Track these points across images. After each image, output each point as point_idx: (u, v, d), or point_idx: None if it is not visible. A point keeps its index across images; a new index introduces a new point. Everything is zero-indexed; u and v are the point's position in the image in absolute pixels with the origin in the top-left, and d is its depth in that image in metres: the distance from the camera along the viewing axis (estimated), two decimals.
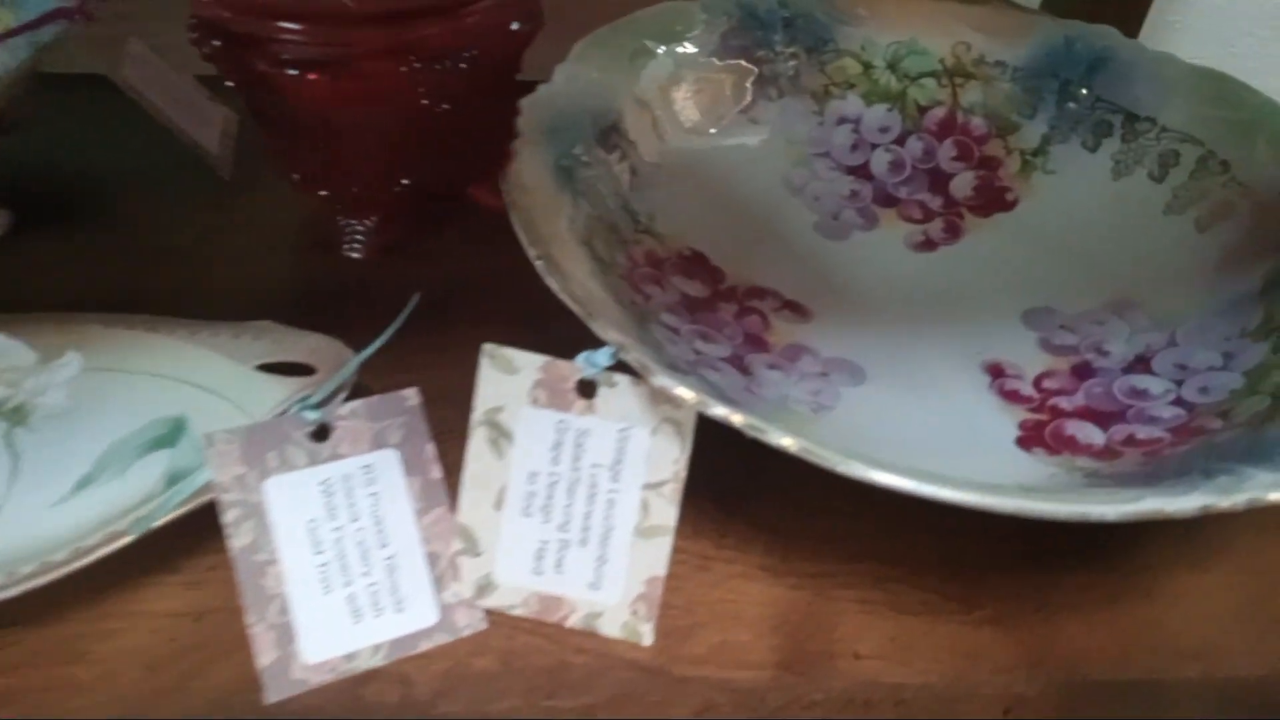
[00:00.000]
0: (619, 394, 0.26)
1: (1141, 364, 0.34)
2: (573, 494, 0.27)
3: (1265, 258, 0.35)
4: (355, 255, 0.40)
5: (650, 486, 0.27)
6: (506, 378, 0.27)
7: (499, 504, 0.27)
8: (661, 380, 0.25)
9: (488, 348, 0.26)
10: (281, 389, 0.31)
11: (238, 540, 0.26)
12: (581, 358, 0.26)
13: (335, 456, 0.27)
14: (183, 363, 0.32)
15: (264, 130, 0.37)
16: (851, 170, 0.43)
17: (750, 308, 0.37)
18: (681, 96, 0.40)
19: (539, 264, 0.28)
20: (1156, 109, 0.40)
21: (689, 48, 0.41)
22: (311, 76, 0.33)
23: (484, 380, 0.27)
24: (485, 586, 0.28)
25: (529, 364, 0.27)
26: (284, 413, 0.30)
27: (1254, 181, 0.37)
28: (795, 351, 0.35)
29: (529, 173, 0.32)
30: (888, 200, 0.43)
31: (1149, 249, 0.38)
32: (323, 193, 0.38)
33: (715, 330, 0.35)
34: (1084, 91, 0.42)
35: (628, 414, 0.26)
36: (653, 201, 0.38)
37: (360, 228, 0.40)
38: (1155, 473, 0.28)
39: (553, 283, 0.27)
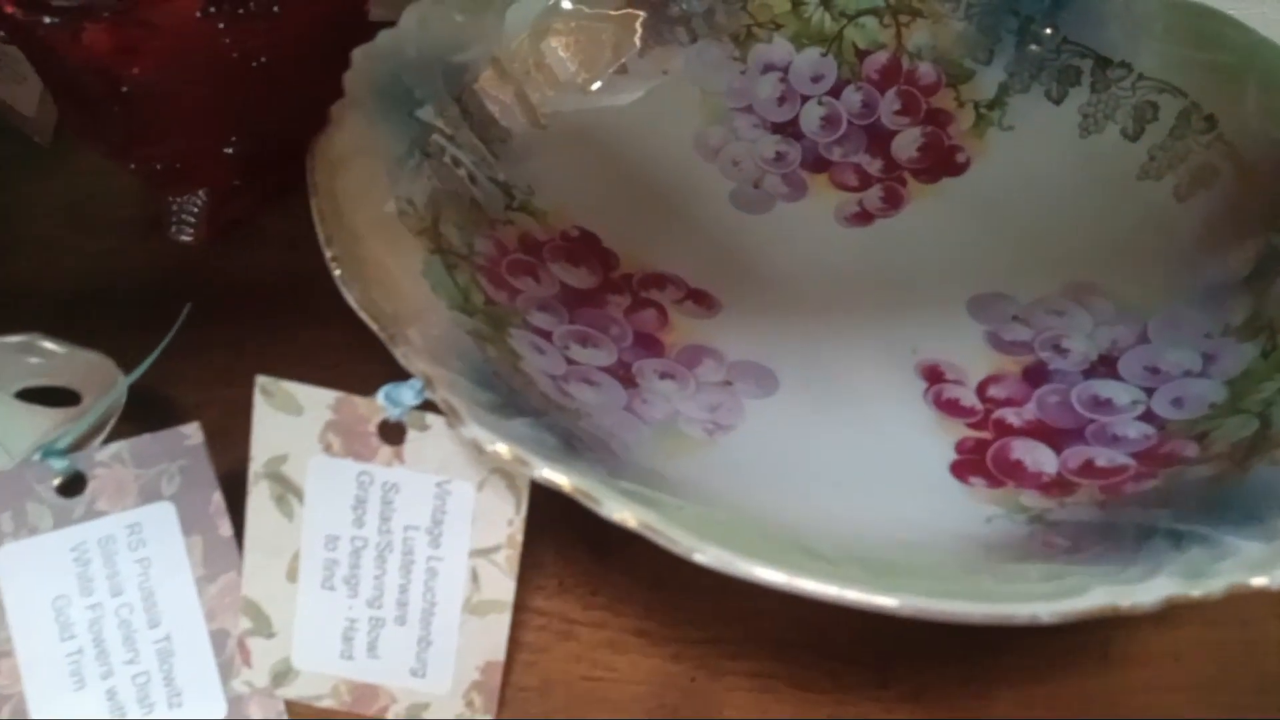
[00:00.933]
0: (433, 439, 0.21)
1: (1106, 365, 0.29)
2: (384, 562, 0.22)
3: (1252, 235, 0.29)
4: (185, 239, 0.33)
5: (480, 553, 0.21)
6: (290, 419, 0.21)
7: (292, 574, 0.22)
8: (472, 431, 0.19)
9: (262, 382, 0.21)
10: (42, 421, 0.25)
11: None
12: (383, 393, 0.20)
13: (92, 514, 0.22)
14: None
15: (54, 94, 0.31)
16: (778, 128, 0.37)
17: (646, 300, 0.31)
18: (557, 45, 0.33)
19: (335, 268, 0.22)
20: (1132, 52, 0.34)
21: None
22: (87, 28, 0.26)
23: (261, 423, 0.21)
24: (283, 674, 0.22)
25: (317, 402, 0.21)
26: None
27: (1242, 141, 0.31)
28: (695, 355, 0.30)
29: (351, 144, 0.26)
30: (819, 164, 0.37)
31: (1119, 222, 0.32)
32: (131, 166, 0.31)
33: (599, 331, 0.29)
34: (1048, 31, 0.35)
35: (445, 464, 0.21)
36: (531, 172, 0.32)
37: (189, 205, 0.33)
38: (1112, 523, 0.22)
39: (349, 294, 0.21)
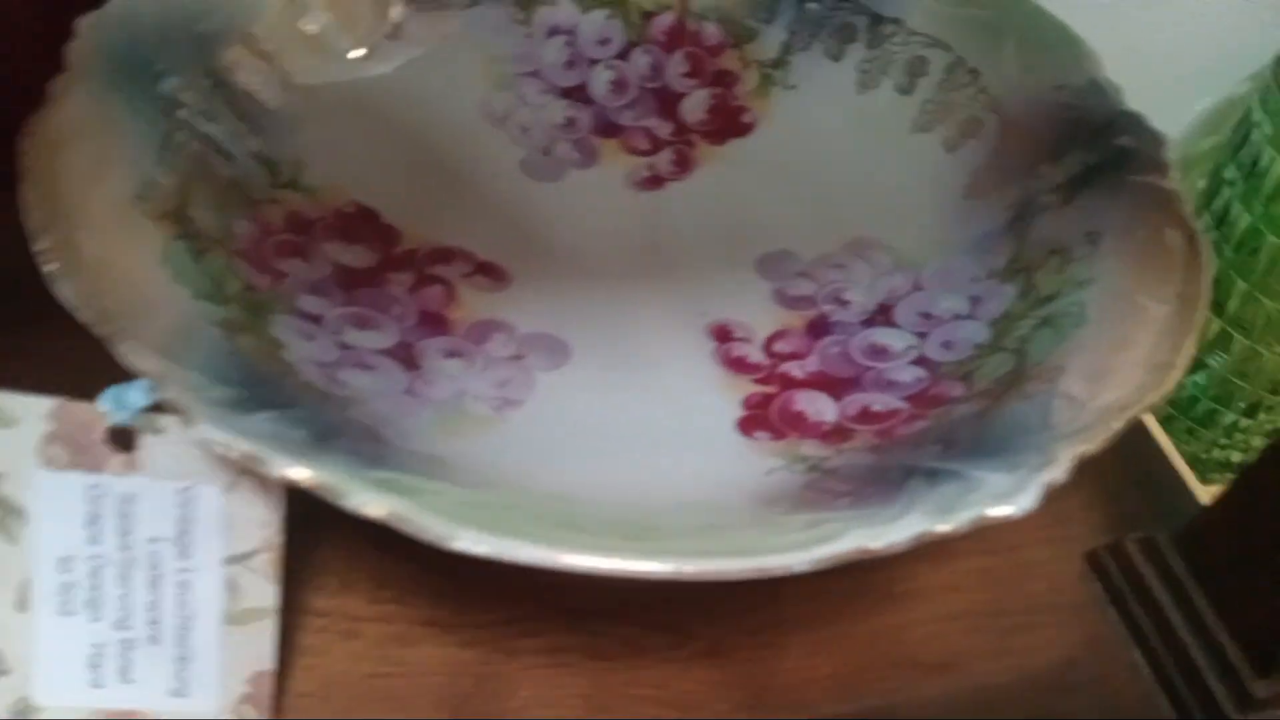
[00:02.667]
0: (169, 443, 0.19)
1: (884, 314, 0.30)
2: (128, 580, 0.20)
3: (1013, 182, 0.31)
4: None
5: (236, 560, 0.20)
6: (2, 432, 0.19)
7: (22, 604, 0.20)
8: (204, 430, 0.17)
9: None
10: None
11: None
12: (108, 397, 0.19)
13: None
14: None
15: None
16: (567, 92, 0.36)
17: (431, 276, 0.30)
18: (320, 5, 0.31)
19: (46, 262, 0.20)
20: (902, 8, 0.35)
21: None
22: None
23: None
24: (25, 710, 0.20)
25: (32, 411, 0.19)
26: None
27: (1002, 93, 0.32)
28: (484, 330, 0.29)
29: (70, 123, 0.23)
30: (609, 129, 0.36)
31: (896, 176, 0.33)
32: None
33: (379, 311, 0.28)
34: None
35: (186, 468, 0.19)
36: (301, 147, 0.30)
37: None
38: (882, 465, 0.23)
39: (65, 289, 0.19)
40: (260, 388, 0.20)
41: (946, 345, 0.28)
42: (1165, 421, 0.54)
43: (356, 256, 0.29)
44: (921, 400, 0.26)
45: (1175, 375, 0.21)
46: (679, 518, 0.20)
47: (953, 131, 0.33)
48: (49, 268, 0.20)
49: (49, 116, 0.23)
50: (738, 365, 0.29)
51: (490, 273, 0.31)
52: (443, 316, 0.29)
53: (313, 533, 0.25)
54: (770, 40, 0.37)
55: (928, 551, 0.27)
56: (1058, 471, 0.19)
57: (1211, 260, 0.24)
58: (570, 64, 0.37)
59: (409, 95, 0.34)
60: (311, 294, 0.27)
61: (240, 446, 0.17)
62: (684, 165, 0.35)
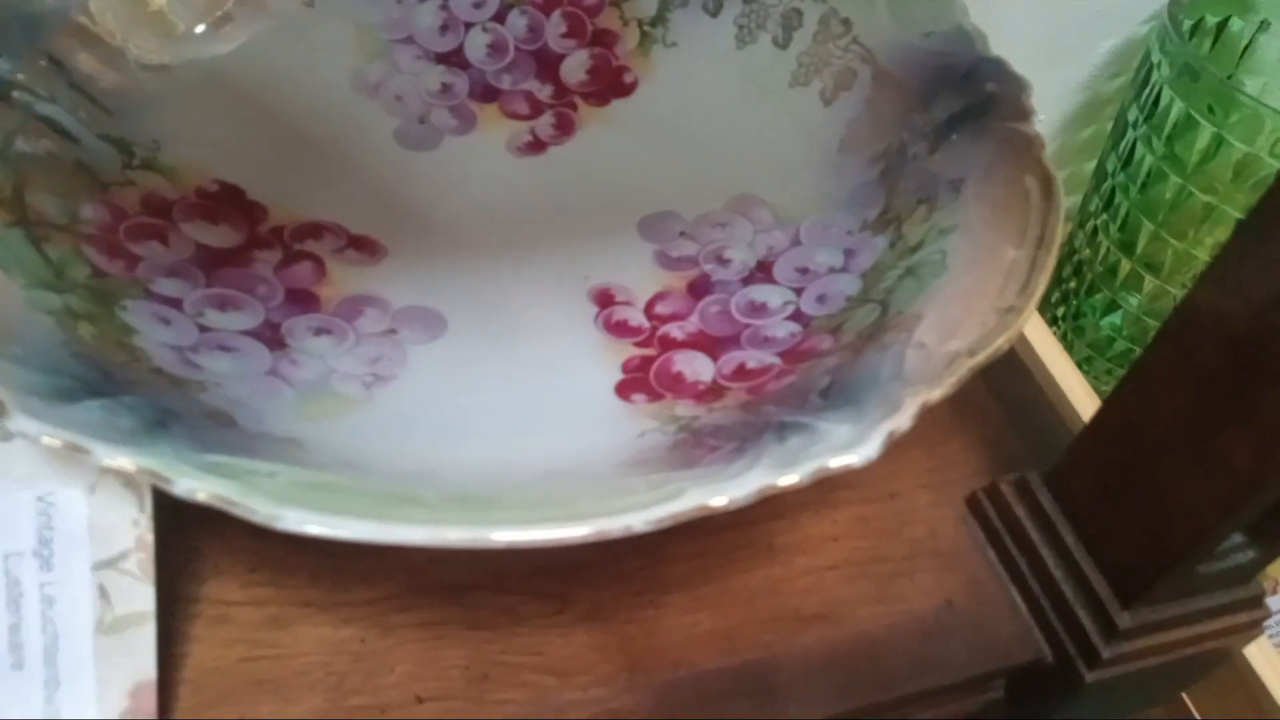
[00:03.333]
0: (19, 449, 0.18)
1: (763, 271, 0.30)
2: None
3: (886, 133, 0.31)
4: None
5: (105, 565, 0.19)
6: None
7: None
8: (19, 422, 0.17)
9: None
10: None
11: None
12: None
13: None
14: None
15: None
16: (442, 58, 0.35)
17: (300, 252, 0.29)
18: None
19: None
20: None
21: None
22: None
23: None
24: None
25: None
26: None
27: (875, 43, 0.32)
28: (355, 305, 0.28)
29: None
30: (488, 93, 0.35)
31: (775, 132, 0.33)
32: None
33: (244, 291, 0.27)
34: None
35: (42, 473, 0.19)
36: (157, 126, 0.29)
37: None
38: (747, 422, 0.23)
39: None
40: (92, 376, 0.20)
41: (820, 299, 0.28)
42: (1084, 362, 0.56)
43: (220, 236, 0.28)
44: (793, 355, 0.26)
45: (1020, 319, 0.21)
46: (533, 490, 0.20)
47: (829, 84, 0.33)
48: None
49: None
50: (619, 329, 0.29)
51: (363, 247, 0.30)
52: (312, 294, 0.28)
53: (183, 523, 0.24)
54: None
55: (807, 502, 0.27)
56: (902, 420, 0.19)
57: (1061, 205, 0.24)
58: (445, 28, 0.36)
59: (273, 68, 0.33)
60: (169, 277, 0.26)
61: (60, 436, 0.17)
62: (565, 128, 0.35)
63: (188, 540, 0.24)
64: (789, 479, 0.18)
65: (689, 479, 0.18)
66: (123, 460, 0.17)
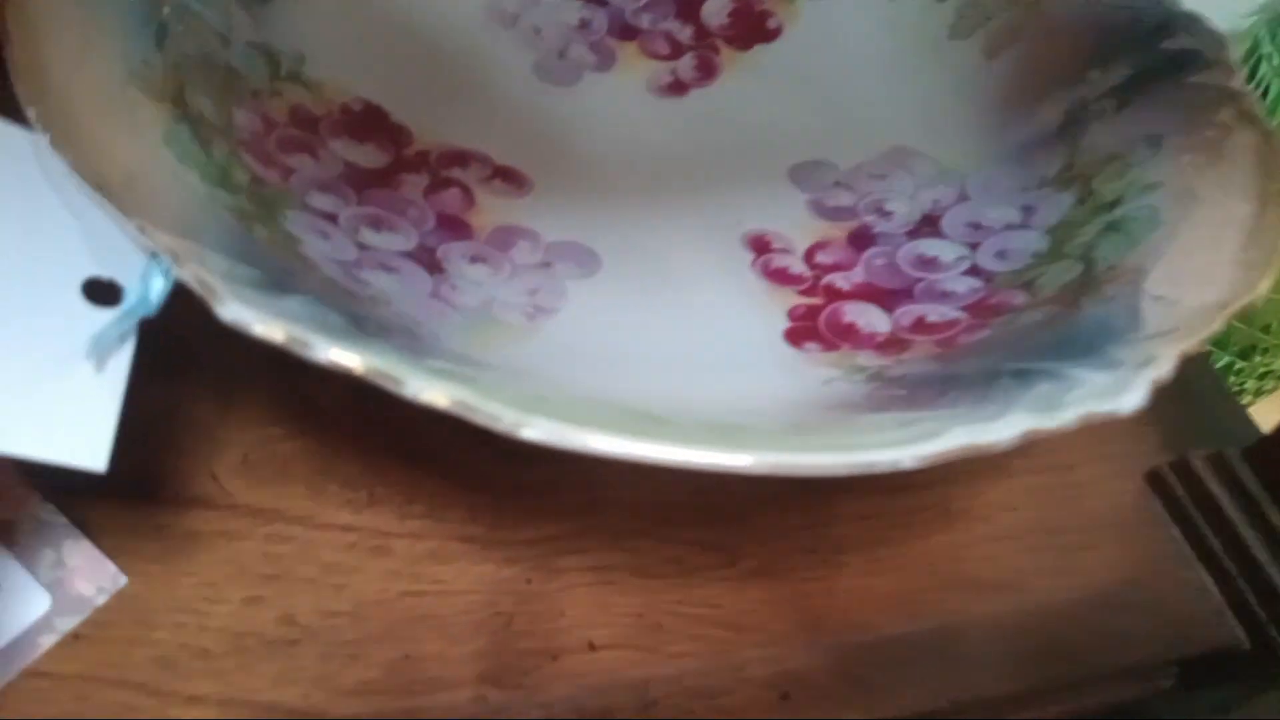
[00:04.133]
0: None
1: (929, 225, 0.28)
2: None
3: (1060, 89, 0.29)
4: None
5: None
6: None
7: None
8: (234, 310, 0.15)
9: None
10: None
11: None
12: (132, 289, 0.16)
13: None
14: None
15: None
16: None
17: (447, 179, 0.28)
18: None
19: (42, 128, 0.17)
20: None
21: None
22: None
23: None
24: None
25: None
26: None
27: None
28: (508, 236, 0.27)
29: None
30: (627, 31, 0.34)
31: (932, 84, 0.32)
32: None
33: (395, 213, 0.26)
34: None
35: None
36: (301, 37, 0.28)
37: None
38: (953, 373, 0.21)
39: (66, 157, 0.17)
40: (285, 276, 0.18)
41: (1001, 255, 0.26)
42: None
43: (367, 156, 0.27)
44: (981, 310, 0.25)
45: (1270, 274, 0.20)
46: (772, 420, 0.19)
47: (992, 38, 0.31)
48: (45, 136, 0.17)
49: None
50: (779, 276, 0.27)
51: (509, 178, 0.28)
52: (463, 221, 0.27)
53: (332, 446, 0.23)
54: None
55: (980, 469, 0.26)
56: (1164, 369, 0.18)
57: None
58: None
59: None
60: (322, 191, 0.25)
61: (278, 327, 0.15)
62: (708, 71, 0.33)
63: (337, 467, 0.22)
64: (1053, 422, 0.17)
65: (941, 419, 0.17)
66: (349, 357, 0.15)
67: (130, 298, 0.17)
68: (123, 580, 0.20)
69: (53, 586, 0.19)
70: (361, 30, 0.29)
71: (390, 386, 0.15)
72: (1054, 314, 0.22)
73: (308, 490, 0.22)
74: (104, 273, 0.17)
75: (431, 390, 0.15)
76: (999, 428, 0.16)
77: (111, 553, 0.20)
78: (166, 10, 0.24)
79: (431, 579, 0.21)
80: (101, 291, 0.17)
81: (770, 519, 0.23)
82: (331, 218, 0.24)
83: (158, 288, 0.16)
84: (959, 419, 0.17)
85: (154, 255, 0.16)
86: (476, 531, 0.22)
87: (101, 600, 0.19)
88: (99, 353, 0.16)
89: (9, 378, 0.15)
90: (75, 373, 0.16)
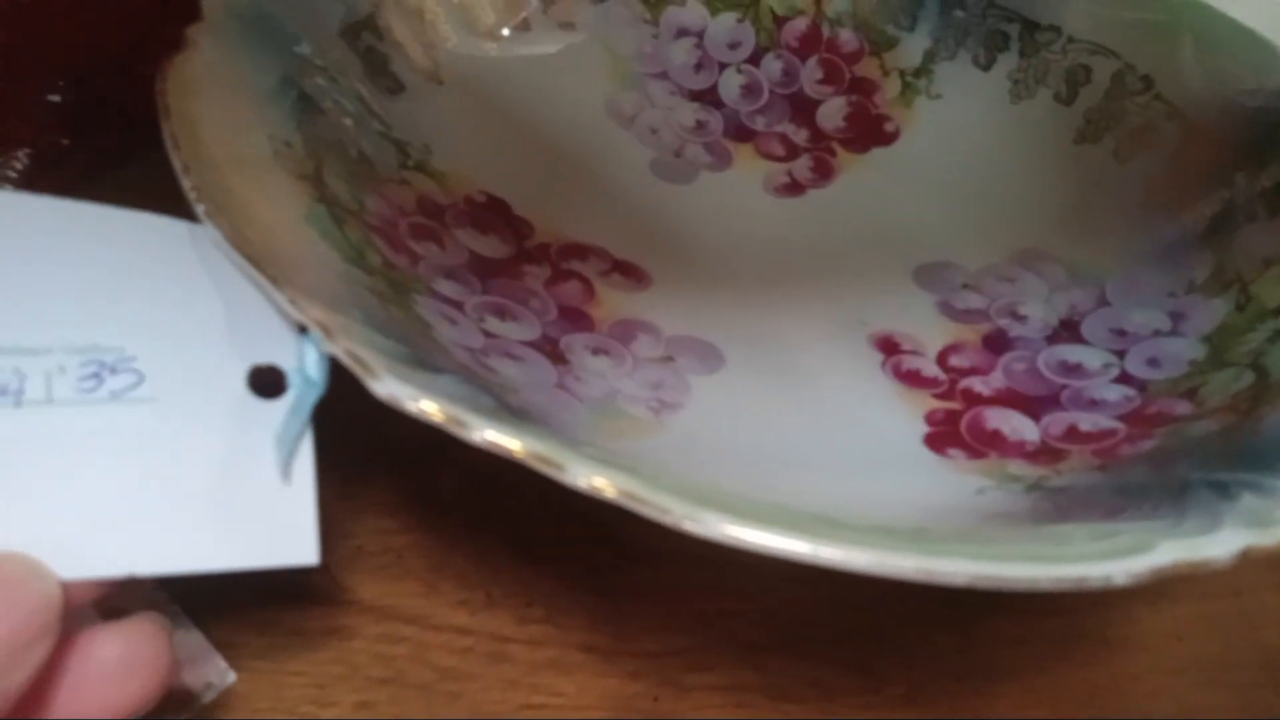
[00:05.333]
0: None
1: (1068, 330, 0.27)
2: None
3: (1202, 191, 0.28)
4: None
5: None
6: None
7: None
8: (389, 386, 0.15)
9: None
10: None
11: None
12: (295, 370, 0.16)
13: None
14: None
15: None
16: (696, 95, 0.34)
17: (568, 271, 0.27)
18: None
19: (197, 200, 0.17)
20: (1059, 14, 0.32)
21: None
22: None
23: None
24: None
25: None
26: None
27: (1182, 98, 0.30)
28: (629, 329, 0.26)
29: (209, 72, 0.21)
30: (742, 133, 0.34)
31: (1061, 186, 0.31)
32: None
33: (518, 303, 0.25)
34: None
35: None
36: (428, 128, 0.28)
37: (8, 169, 0.28)
38: (1126, 483, 0.20)
39: (218, 230, 0.17)
40: (427, 355, 0.18)
41: (1152, 363, 0.25)
42: None
43: (490, 246, 0.27)
44: (1140, 420, 0.23)
45: None
46: (950, 526, 0.17)
47: (1124, 141, 0.30)
48: (198, 206, 0.17)
49: (187, 60, 0.21)
50: (912, 379, 0.26)
51: (628, 272, 0.28)
52: (584, 313, 0.26)
53: (447, 542, 0.22)
54: (912, 48, 0.34)
55: (1136, 592, 0.23)
56: None
57: None
58: (699, 66, 0.35)
59: (534, 88, 0.32)
60: (449, 279, 0.24)
61: (436, 405, 0.14)
62: (824, 172, 0.33)
63: (455, 567, 0.21)
64: (1274, 538, 0.15)
65: (1145, 532, 0.15)
66: (508, 440, 0.14)
67: (294, 383, 0.16)
68: (231, 677, 0.18)
69: None
70: (485, 125, 0.30)
71: (550, 472, 0.14)
72: (1230, 423, 0.21)
73: (422, 588, 0.21)
74: (263, 360, 0.16)
75: (596, 478, 0.14)
76: (1214, 544, 0.15)
77: (217, 646, 0.19)
78: (305, 95, 0.24)
79: (552, 691, 0.20)
80: (262, 379, 0.16)
81: (913, 638, 0.22)
82: (458, 305, 0.23)
83: (316, 364, 0.16)
84: (1164, 533, 0.15)
85: (305, 332, 0.16)
86: (598, 641, 0.20)
87: (209, 698, 0.18)
88: (285, 451, 0.15)
89: (199, 489, 0.15)
90: (260, 470, 0.15)
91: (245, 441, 0.15)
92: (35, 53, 0.25)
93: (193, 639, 0.18)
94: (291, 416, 0.16)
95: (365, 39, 0.27)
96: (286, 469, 0.15)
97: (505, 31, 0.30)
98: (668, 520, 0.14)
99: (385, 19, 0.27)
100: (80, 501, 0.15)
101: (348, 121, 0.25)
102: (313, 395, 0.15)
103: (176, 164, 0.18)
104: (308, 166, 0.22)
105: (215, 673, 0.18)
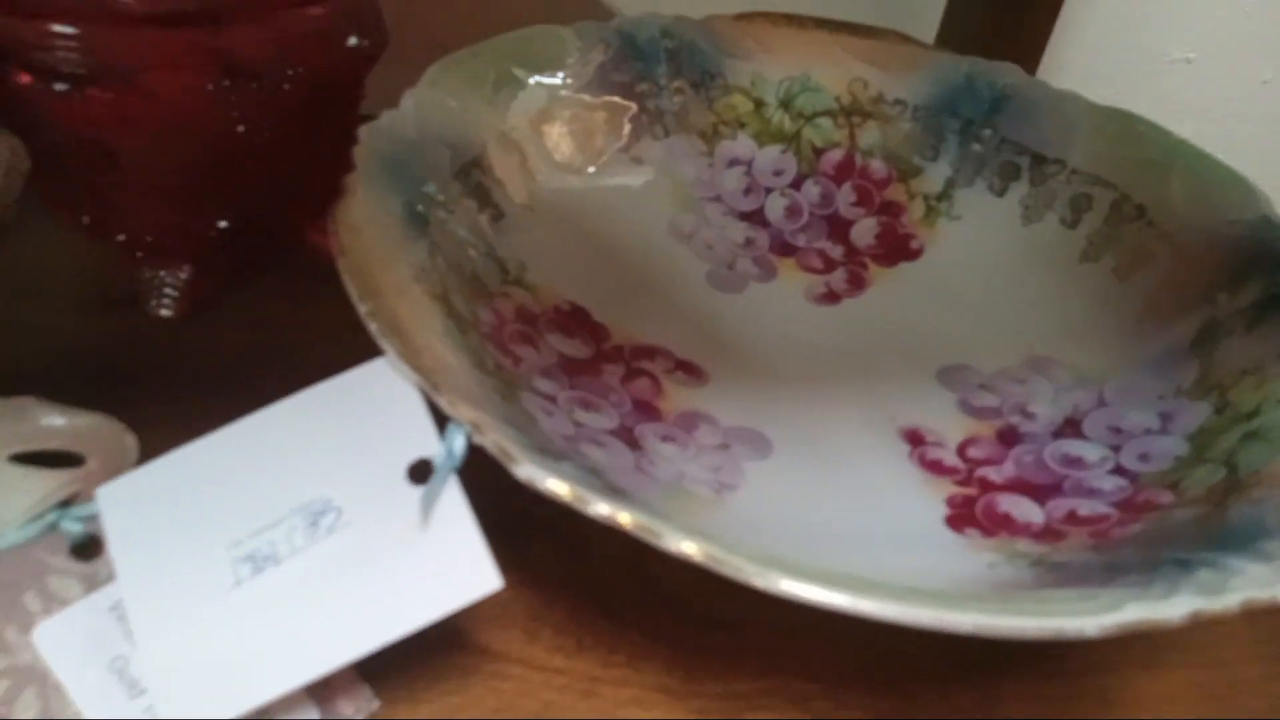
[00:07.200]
0: None
1: (1071, 427, 0.31)
2: None
3: (1191, 307, 0.32)
4: (165, 313, 0.33)
5: None
6: None
7: None
8: (527, 470, 0.19)
9: None
10: (39, 485, 0.24)
11: (21, 714, 0.19)
12: (442, 449, 0.20)
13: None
14: None
15: (38, 163, 0.31)
16: (745, 216, 0.39)
17: (639, 369, 0.32)
18: (554, 132, 0.35)
19: (370, 322, 0.22)
20: (1065, 150, 0.37)
21: (562, 78, 0.36)
22: (89, 93, 0.27)
23: None
24: None
25: None
26: (38, 518, 0.23)
27: (1172, 226, 0.34)
28: (691, 420, 0.30)
29: (364, 213, 0.26)
30: (785, 249, 0.39)
31: (1067, 300, 0.35)
32: (120, 237, 0.31)
33: (599, 397, 0.30)
34: (988, 131, 0.39)
35: None
36: (522, 249, 0.33)
37: (170, 280, 0.33)
38: (1114, 561, 0.24)
39: (389, 346, 0.22)
40: (539, 443, 0.22)
41: (1143, 458, 0.29)
42: None
43: (575, 348, 0.31)
44: (1130, 506, 0.27)
45: None
46: (964, 589, 0.21)
47: (1122, 260, 0.35)
48: (372, 327, 0.22)
49: (349, 205, 0.26)
50: (935, 468, 0.30)
51: (689, 370, 0.33)
52: (653, 405, 0.31)
53: (546, 596, 0.26)
54: (935, 176, 0.40)
55: (1134, 661, 0.27)
56: None
57: None
58: (748, 190, 0.40)
59: (607, 210, 0.37)
60: (544, 377, 0.29)
61: (566, 487, 0.19)
62: (858, 284, 0.38)
63: (551, 617, 0.25)
64: (1219, 605, 0.19)
65: (1118, 595, 0.19)
66: (619, 514, 0.18)
67: (439, 464, 0.21)
68: (375, 703, 0.23)
69: (320, 702, 0.22)
70: (569, 245, 0.35)
71: (649, 539, 0.18)
72: (1204, 512, 0.25)
73: (525, 635, 0.25)
74: (411, 456, 0.21)
75: (686, 544, 0.18)
76: (1169, 606, 0.19)
77: (363, 678, 0.23)
78: (432, 227, 0.29)
79: None
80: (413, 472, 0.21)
81: (936, 695, 0.25)
82: (553, 399, 0.28)
83: (460, 447, 0.20)
84: (1131, 596, 0.19)
85: (452, 425, 0.20)
86: (671, 683, 0.24)
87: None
88: (428, 502, 0.20)
89: (393, 570, 0.20)
90: (426, 531, 0.20)
91: (408, 518, 0.20)
92: (214, 196, 0.30)
93: (345, 671, 0.23)
94: (435, 482, 0.20)
95: (474, 176, 0.32)
96: (428, 515, 0.20)
97: (590, 169, 0.35)
98: (741, 578, 0.18)
99: (490, 159, 0.33)
100: (325, 613, 0.19)
101: (464, 246, 0.30)
102: (450, 466, 0.20)
103: (353, 292, 0.23)
104: (439, 287, 0.27)
105: (363, 699, 0.23)
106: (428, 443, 0.21)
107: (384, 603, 0.20)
